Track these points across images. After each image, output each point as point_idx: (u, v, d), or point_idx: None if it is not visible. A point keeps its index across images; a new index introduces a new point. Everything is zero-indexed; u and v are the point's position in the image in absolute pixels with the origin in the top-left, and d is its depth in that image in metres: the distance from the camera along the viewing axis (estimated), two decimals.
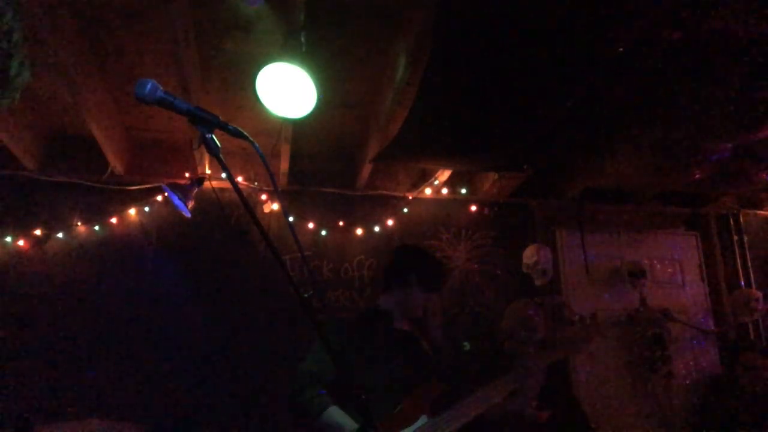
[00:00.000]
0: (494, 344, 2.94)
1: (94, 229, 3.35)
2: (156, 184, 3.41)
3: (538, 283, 3.80)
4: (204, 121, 1.13)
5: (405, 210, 3.89)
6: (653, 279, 4.27)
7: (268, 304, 3.42)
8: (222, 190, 3.48)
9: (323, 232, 3.71)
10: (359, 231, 3.76)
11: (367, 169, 3.53)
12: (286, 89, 2.26)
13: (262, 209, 3.61)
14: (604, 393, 3.91)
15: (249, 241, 3.52)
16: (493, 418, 2.19)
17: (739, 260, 4.44)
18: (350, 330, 2.07)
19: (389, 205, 3.88)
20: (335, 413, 1.77)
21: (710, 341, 4.28)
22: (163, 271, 3.37)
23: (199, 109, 1.12)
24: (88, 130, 2.89)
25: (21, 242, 3.20)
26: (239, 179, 3.59)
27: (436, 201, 3.98)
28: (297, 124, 2.89)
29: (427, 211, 3.96)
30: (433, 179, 3.85)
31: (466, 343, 3.65)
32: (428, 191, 3.90)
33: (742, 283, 4.38)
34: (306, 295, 1.24)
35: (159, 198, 3.46)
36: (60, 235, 3.28)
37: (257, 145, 1.21)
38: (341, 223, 3.74)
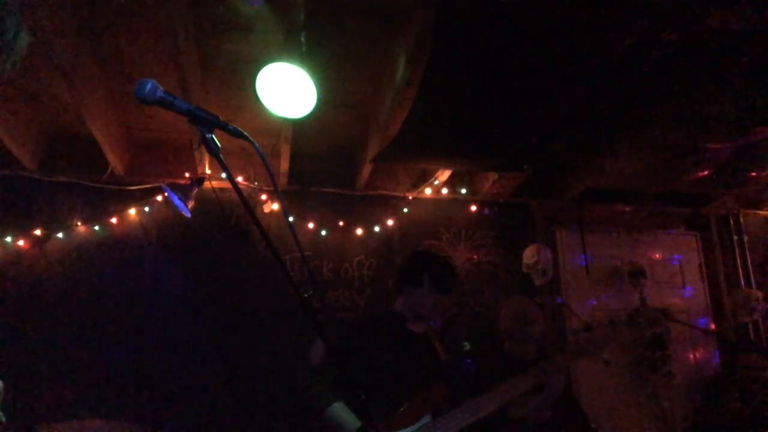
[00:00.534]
0: (494, 344, 2.92)
1: (94, 229, 3.35)
2: (156, 184, 3.41)
3: (538, 283, 3.80)
4: (204, 121, 1.13)
5: (405, 210, 3.89)
6: (653, 279, 4.27)
7: (268, 304, 3.42)
8: (222, 190, 3.48)
9: (323, 232, 3.71)
10: (359, 231, 3.76)
11: (367, 169, 3.53)
12: (286, 89, 2.26)
13: (262, 209, 3.61)
14: (604, 393, 3.91)
15: (249, 241, 3.52)
16: (511, 417, 2.20)
17: (739, 260, 4.44)
18: (363, 330, 2.13)
19: (389, 205, 3.88)
20: (340, 410, 1.80)
21: (710, 341, 4.28)
22: (163, 271, 3.37)
23: (199, 109, 1.12)
24: (88, 130, 2.89)
25: (21, 242, 3.20)
26: (239, 179, 3.59)
27: (436, 201, 3.98)
28: (297, 124, 2.89)
29: (427, 211, 3.96)
30: (433, 179, 3.85)
31: (466, 343, 3.65)
32: (428, 191, 3.90)
33: (742, 283, 4.38)
34: (306, 295, 1.24)
35: (159, 198, 3.46)
36: (60, 235, 3.28)
37: (257, 145, 1.21)
38: (341, 223, 3.74)
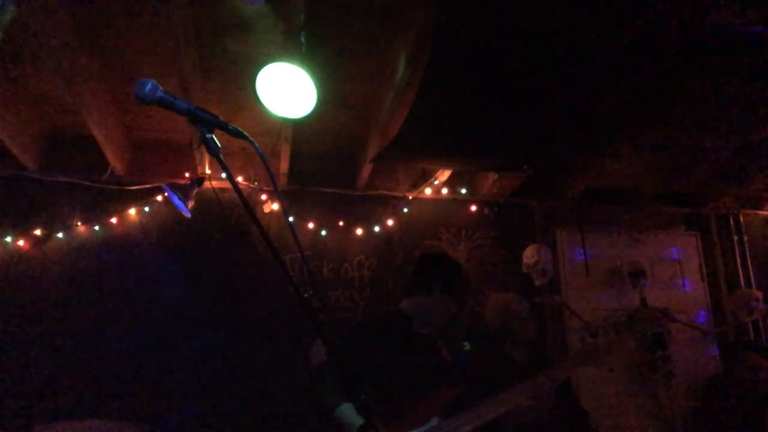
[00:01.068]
0: (494, 344, 2.91)
1: (94, 229, 3.35)
2: (156, 184, 3.41)
3: (538, 283, 3.80)
4: (204, 121, 1.13)
5: (405, 210, 3.89)
6: (653, 279, 4.27)
7: (268, 304, 3.42)
8: (222, 190, 3.48)
9: (323, 232, 3.71)
10: (359, 231, 3.76)
11: (367, 169, 3.53)
12: (286, 89, 2.26)
13: (262, 209, 3.61)
14: (604, 393, 3.91)
15: (249, 241, 3.52)
16: (511, 422, 2.20)
17: (739, 260, 4.44)
18: (369, 331, 2.12)
19: (389, 205, 3.88)
20: (347, 410, 1.81)
21: (710, 341, 4.28)
22: (163, 271, 3.37)
23: (199, 109, 1.12)
24: (88, 130, 2.89)
25: (21, 242, 3.20)
26: (239, 179, 3.59)
27: (436, 201, 3.98)
28: (297, 124, 2.89)
29: (427, 211, 3.96)
30: (433, 179, 3.85)
31: (466, 343, 3.64)
32: (428, 191, 3.91)
33: (742, 283, 4.38)
34: (306, 295, 1.24)
35: (159, 198, 3.46)
36: (60, 235, 3.28)
37: (257, 145, 1.21)
38: (341, 223, 3.74)
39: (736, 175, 3.47)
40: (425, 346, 2.18)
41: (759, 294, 4.04)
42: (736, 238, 4.49)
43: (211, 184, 3.32)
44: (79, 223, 3.32)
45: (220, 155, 1.16)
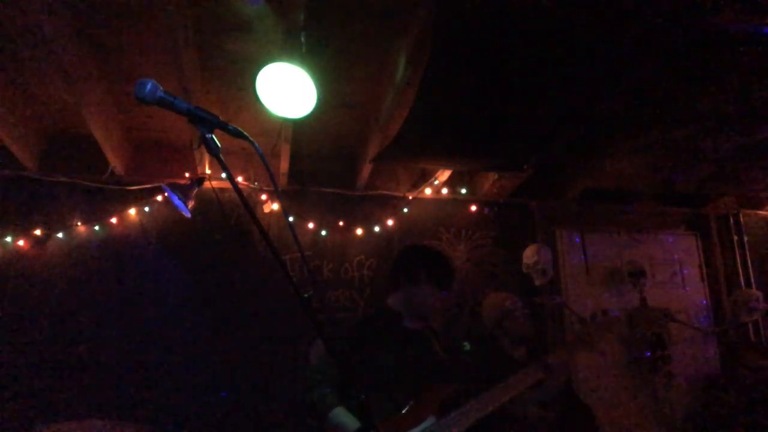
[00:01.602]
0: (495, 344, 2.91)
1: (94, 229, 3.35)
2: (156, 184, 3.41)
3: (538, 283, 3.81)
4: (204, 121, 1.13)
5: (405, 210, 3.89)
6: (653, 279, 4.27)
7: (268, 304, 3.42)
8: (222, 190, 3.48)
9: (323, 232, 3.71)
10: (359, 231, 3.76)
11: (367, 169, 3.53)
12: (286, 89, 2.26)
13: (262, 209, 3.61)
14: (604, 393, 3.91)
15: (249, 241, 3.52)
16: (509, 416, 2.19)
17: (739, 260, 4.44)
18: (360, 330, 2.07)
19: (389, 205, 3.88)
20: (341, 413, 1.78)
21: (710, 341, 4.28)
22: (163, 271, 3.37)
23: (198, 109, 1.12)
24: (88, 130, 2.89)
25: (21, 242, 3.20)
26: (239, 179, 3.59)
27: (436, 201, 3.98)
28: (297, 124, 2.89)
29: (427, 211, 3.96)
30: (433, 179, 3.85)
31: (466, 343, 3.64)
32: (428, 191, 3.90)
33: (742, 283, 4.38)
34: (306, 295, 1.24)
35: (159, 198, 3.46)
36: (60, 235, 3.28)
37: (257, 145, 1.21)
38: (341, 223, 3.74)
39: (736, 175, 3.47)
40: (417, 342, 2.13)
41: (759, 294, 4.04)
42: (736, 238, 4.49)
43: (211, 184, 3.32)
44: (79, 223, 3.32)
45: (220, 155, 1.16)
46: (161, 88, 1.08)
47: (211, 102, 3.02)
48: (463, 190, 4.04)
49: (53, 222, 3.28)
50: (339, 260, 3.70)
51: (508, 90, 2.41)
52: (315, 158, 3.78)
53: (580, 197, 4.08)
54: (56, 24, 2.18)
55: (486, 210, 4.08)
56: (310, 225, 3.68)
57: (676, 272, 4.41)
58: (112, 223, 3.37)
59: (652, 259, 4.33)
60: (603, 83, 2.33)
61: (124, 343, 3.18)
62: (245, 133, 1.18)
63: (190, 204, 3.10)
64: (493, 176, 3.89)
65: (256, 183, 3.63)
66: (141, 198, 3.44)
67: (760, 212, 4.68)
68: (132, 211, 3.42)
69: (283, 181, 3.58)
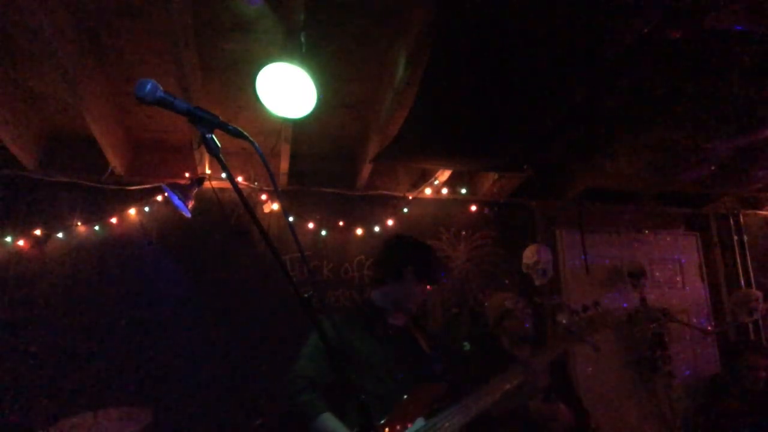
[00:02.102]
0: (495, 344, 2.91)
1: (94, 229, 3.35)
2: (156, 184, 3.41)
3: (538, 283, 3.81)
4: (204, 121, 1.13)
5: (405, 210, 3.89)
6: (653, 279, 4.27)
7: (268, 303, 3.42)
8: (222, 190, 3.48)
9: (323, 232, 3.71)
10: (359, 231, 3.76)
11: (367, 169, 3.53)
12: (286, 89, 2.26)
13: (262, 209, 3.61)
14: (604, 393, 3.91)
15: (249, 241, 3.52)
16: (497, 415, 2.16)
17: (739, 260, 4.44)
18: (342, 327, 1.98)
19: (389, 205, 3.88)
20: (329, 420, 1.75)
21: (710, 341, 4.28)
22: (163, 271, 3.37)
23: (198, 109, 1.12)
24: (88, 130, 2.89)
25: (21, 242, 3.20)
26: (239, 179, 3.59)
27: (436, 201, 3.98)
28: (297, 124, 2.89)
29: (427, 211, 3.96)
30: (433, 179, 3.85)
31: (466, 343, 3.63)
32: (428, 191, 3.91)
33: (742, 283, 4.38)
34: (306, 295, 1.23)
35: (159, 198, 3.46)
36: (60, 235, 3.28)
37: (257, 145, 1.21)
38: (341, 223, 3.74)
39: (736, 175, 3.47)
40: (404, 339, 2.08)
41: (759, 294, 4.04)
42: (736, 238, 4.49)
43: (211, 184, 3.32)
44: (79, 223, 3.32)
45: (220, 155, 1.15)
46: (161, 88, 1.08)
47: (211, 102, 3.02)
48: (463, 190, 4.04)
49: (53, 222, 3.28)
50: (339, 260, 3.70)
51: (508, 90, 2.41)
52: (315, 158, 3.78)
53: (580, 197, 4.08)
54: (56, 24, 2.18)
55: (486, 210, 4.08)
56: (310, 225, 3.68)
57: (676, 272, 4.41)
58: (112, 223, 3.37)
59: (652, 259, 4.33)
60: (603, 83, 2.33)
61: (124, 343, 3.18)
62: (245, 133, 1.18)
63: (190, 204, 3.10)
64: (493, 176, 3.89)
65: (256, 183, 3.63)
66: (141, 198, 3.44)
67: (760, 212, 4.68)
68: (132, 211, 3.42)
69: (283, 181, 3.58)
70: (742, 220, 4.55)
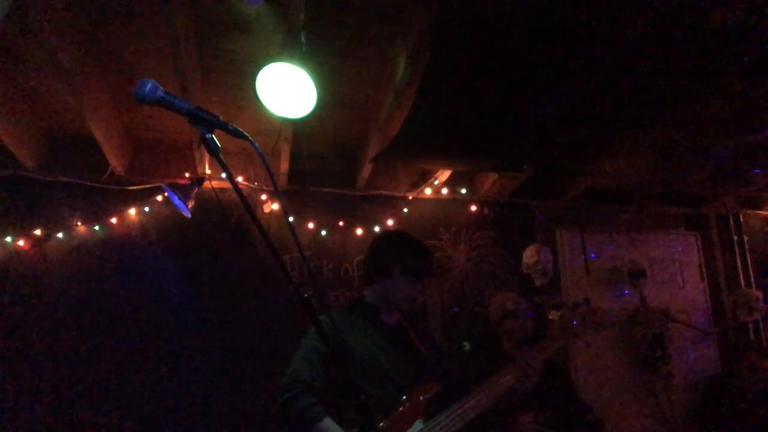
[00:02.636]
0: (495, 344, 2.91)
1: (94, 229, 3.35)
2: (156, 184, 3.41)
3: (538, 283, 3.81)
4: (204, 121, 1.13)
5: (405, 210, 3.89)
6: (653, 279, 4.27)
7: (268, 304, 3.42)
8: (222, 190, 3.48)
9: (323, 232, 3.71)
10: (359, 231, 3.76)
11: (367, 169, 3.53)
12: (286, 89, 2.26)
13: (262, 209, 3.61)
14: (604, 393, 3.91)
15: (249, 241, 3.52)
16: (492, 417, 2.15)
17: (739, 260, 4.44)
18: (335, 326, 1.93)
19: (389, 205, 3.88)
20: (330, 424, 1.70)
21: (710, 341, 4.28)
22: (163, 271, 3.37)
23: (198, 109, 1.12)
24: (88, 130, 2.89)
25: (21, 242, 3.20)
26: (239, 179, 3.59)
27: (436, 201, 3.98)
28: (297, 124, 2.89)
29: (427, 211, 3.96)
30: (433, 179, 3.85)
31: (466, 343, 3.65)
32: (428, 191, 3.90)
33: (742, 283, 4.38)
34: (306, 295, 1.23)
35: (159, 198, 3.46)
36: (60, 235, 3.27)
37: (257, 145, 1.20)
38: (341, 223, 3.74)
39: (736, 175, 3.47)
40: (398, 338, 2.05)
41: (759, 294, 4.04)
42: (736, 238, 4.49)
43: (211, 184, 3.32)
44: (79, 223, 3.31)
45: (220, 155, 1.15)
46: (161, 88, 1.07)
47: (211, 102, 3.02)
48: (463, 190, 4.04)
49: (53, 222, 3.28)
50: (339, 260, 3.70)
51: (508, 90, 2.41)
52: (315, 158, 3.78)
53: (580, 197, 4.08)
54: (57, 24, 2.18)
55: (486, 210, 4.08)
56: (310, 225, 3.68)
57: (676, 272, 4.41)
58: (112, 223, 3.37)
59: (652, 259, 4.33)
60: (603, 83, 2.33)
61: (124, 343, 3.18)
62: (245, 133, 1.18)
63: (190, 204, 3.10)
64: (493, 176, 3.89)
65: (256, 183, 3.63)
66: (141, 198, 3.44)
67: (760, 212, 4.68)
68: (132, 211, 3.42)
69: (283, 181, 3.58)
70: (742, 220, 4.55)
